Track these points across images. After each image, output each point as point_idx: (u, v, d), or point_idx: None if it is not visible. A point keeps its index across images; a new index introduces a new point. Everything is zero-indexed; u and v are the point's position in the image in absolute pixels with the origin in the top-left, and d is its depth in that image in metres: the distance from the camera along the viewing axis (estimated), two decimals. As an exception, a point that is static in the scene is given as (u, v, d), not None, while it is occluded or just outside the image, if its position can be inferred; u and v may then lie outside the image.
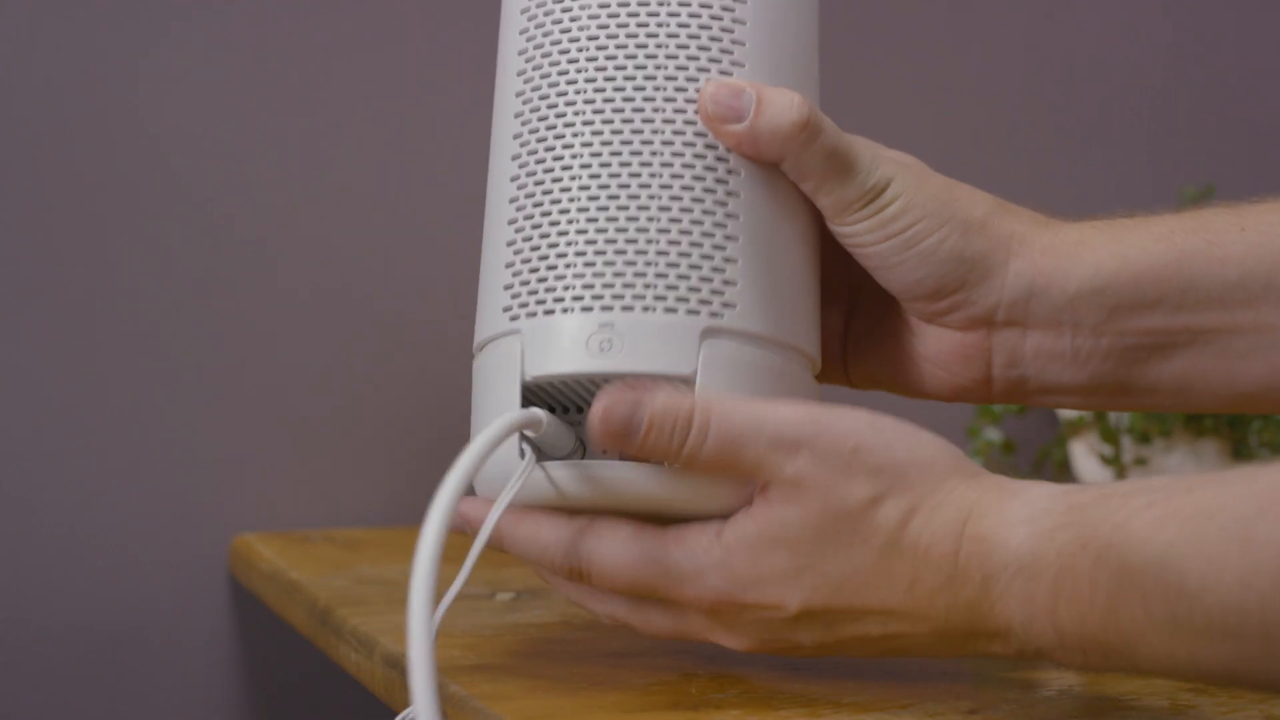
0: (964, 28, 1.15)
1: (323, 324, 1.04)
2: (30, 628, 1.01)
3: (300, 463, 1.04)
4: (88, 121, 1.00)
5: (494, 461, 0.69)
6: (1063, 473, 1.09)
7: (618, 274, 0.69)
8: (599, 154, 0.70)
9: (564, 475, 0.69)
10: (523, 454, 0.69)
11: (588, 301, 0.69)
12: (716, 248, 0.70)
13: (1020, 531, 0.62)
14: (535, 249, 0.70)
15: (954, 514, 0.65)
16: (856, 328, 0.79)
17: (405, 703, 0.75)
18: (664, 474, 0.68)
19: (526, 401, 0.69)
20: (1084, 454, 1.06)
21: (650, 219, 0.70)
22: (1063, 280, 0.74)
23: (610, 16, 0.71)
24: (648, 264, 0.69)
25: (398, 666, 0.76)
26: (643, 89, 0.71)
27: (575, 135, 0.71)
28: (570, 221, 0.70)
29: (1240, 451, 0.99)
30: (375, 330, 1.05)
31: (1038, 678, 0.74)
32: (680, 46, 0.71)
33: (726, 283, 0.70)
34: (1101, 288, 0.73)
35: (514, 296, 0.70)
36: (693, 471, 0.67)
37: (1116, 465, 1.02)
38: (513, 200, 0.71)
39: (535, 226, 0.70)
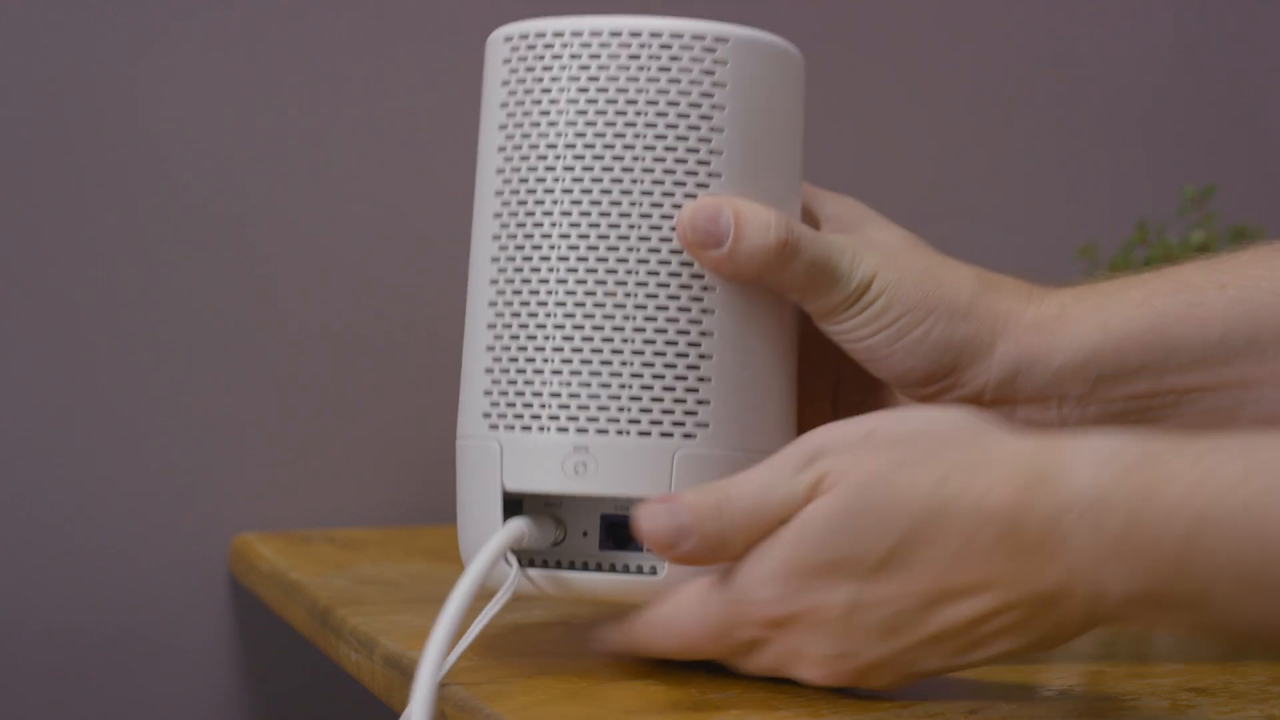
0: (963, 27, 1.15)
1: (323, 324, 1.04)
2: (30, 627, 1.01)
3: (300, 463, 1.04)
4: (87, 122, 1.00)
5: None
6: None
7: (593, 396, 0.71)
8: (575, 270, 0.71)
9: (546, 582, 0.72)
10: (508, 561, 0.71)
11: (563, 422, 0.71)
12: (690, 368, 0.71)
13: (1088, 471, 0.60)
14: (513, 361, 0.72)
15: (1005, 463, 0.62)
16: (848, 397, 0.79)
17: (405, 703, 0.75)
18: (644, 583, 0.71)
19: (507, 500, 0.72)
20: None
21: (625, 340, 0.71)
22: (1047, 356, 0.74)
23: (588, 125, 0.71)
24: (622, 387, 0.71)
25: (398, 666, 0.76)
26: (619, 204, 0.71)
27: (552, 248, 0.72)
28: (547, 338, 0.71)
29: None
30: (376, 330, 1.05)
31: (1038, 678, 0.74)
32: (657, 160, 0.71)
33: (700, 403, 0.71)
34: (1085, 360, 0.74)
35: (493, 405, 0.72)
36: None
37: (1116, 465, 1.02)
38: (492, 304, 0.73)
39: (514, 338, 0.72)
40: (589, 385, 0.71)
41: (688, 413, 0.71)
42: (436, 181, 1.04)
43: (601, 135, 0.71)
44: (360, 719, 1.02)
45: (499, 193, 0.73)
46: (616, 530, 0.74)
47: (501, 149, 0.73)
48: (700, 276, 0.71)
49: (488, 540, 0.71)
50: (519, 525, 0.71)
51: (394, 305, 1.05)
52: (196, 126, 1.02)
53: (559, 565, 0.74)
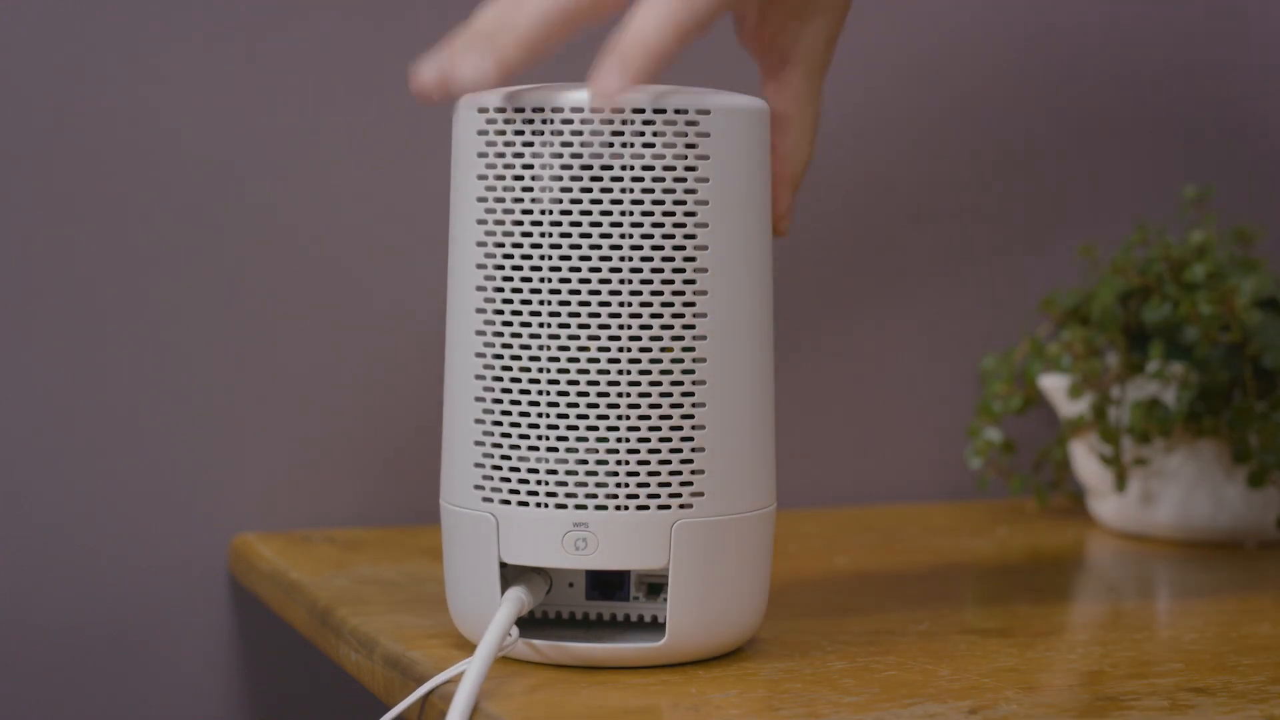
0: (962, 27, 1.15)
1: (323, 323, 1.04)
2: (29, 627, 1.01)
3: (300, 463, 1.04)
4: (87, 122, 1.00)
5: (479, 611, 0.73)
6: (1063, 472, 1.09)
7: (590, 472, 0.71)
8: (566, 347, 0.71)
9: (549, 649, 0.73)
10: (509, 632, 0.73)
11: (561, 499, 0.72)
12: (685, 440, 0.72)
13: None
14: (506, 436, 0.72)
15: None
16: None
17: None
18: (645, 650, 0.72)
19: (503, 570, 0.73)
20: (1084, 454, 1.06)
21: (620, 415, 0.71)
22: None
23: (573, 202, 0.71)
24: (619, 462, 0.71)
25: (398, 666, 0.76)
26: (608, 281, 0.71)
27: (543, 325, 0.72)
28: (541, 415, 0.72)
29: (1240, 452, 0.99)
30: (376, 330, 1.04)
31: (1038, 677, 0.74)
32: (645, 236, 0.71)
33: (695, 473, 0.72)
34: None
35: (485, 478, 0.73)
36: None
37: (1117, 465, 1.02)
38: (479, 377, 0.73)
39: (505, 412, 0.72)
40: (586, 462, 0.72)
41: (684, 484, 0.72)
42: (439, 183, 1.04)
43: (588, 212, 0.71)
44: (360, 719, 1.02)
45: (481, 265, 0.73)
46: (603, 581, 0.75)
47: (482, 222, 0.73)
48: (692, 349, 0.71)
49: (490, 613, 0.72)
50: (518, 596, 0.72)
51: (396, 306, 1.05)
52: (197, 127, 1.02)
53: (547, 618, 0.75)
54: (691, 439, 0.72)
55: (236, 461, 1.03)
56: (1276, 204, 1.20)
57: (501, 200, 0.72)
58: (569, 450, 0.71)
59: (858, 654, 0.76)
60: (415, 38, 1.05)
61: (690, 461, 0.72)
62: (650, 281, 0.71)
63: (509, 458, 0.72)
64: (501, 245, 0.72)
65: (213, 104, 1.02)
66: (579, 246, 0.71)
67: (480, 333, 0.73)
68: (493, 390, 0.73)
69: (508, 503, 0.72)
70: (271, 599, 0.94)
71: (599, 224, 0.71)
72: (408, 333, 1.04)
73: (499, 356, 0.72)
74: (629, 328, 0.71)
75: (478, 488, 0.73)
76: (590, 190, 0.71)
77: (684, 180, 0.71)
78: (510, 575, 0.73)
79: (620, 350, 0.71)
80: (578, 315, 0.71)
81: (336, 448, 1.04)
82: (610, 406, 0.71)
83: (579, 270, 0.71)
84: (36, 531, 1.00)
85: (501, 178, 0.72)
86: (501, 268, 0.72)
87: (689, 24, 0.70)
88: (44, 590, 1.01)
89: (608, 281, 0.71)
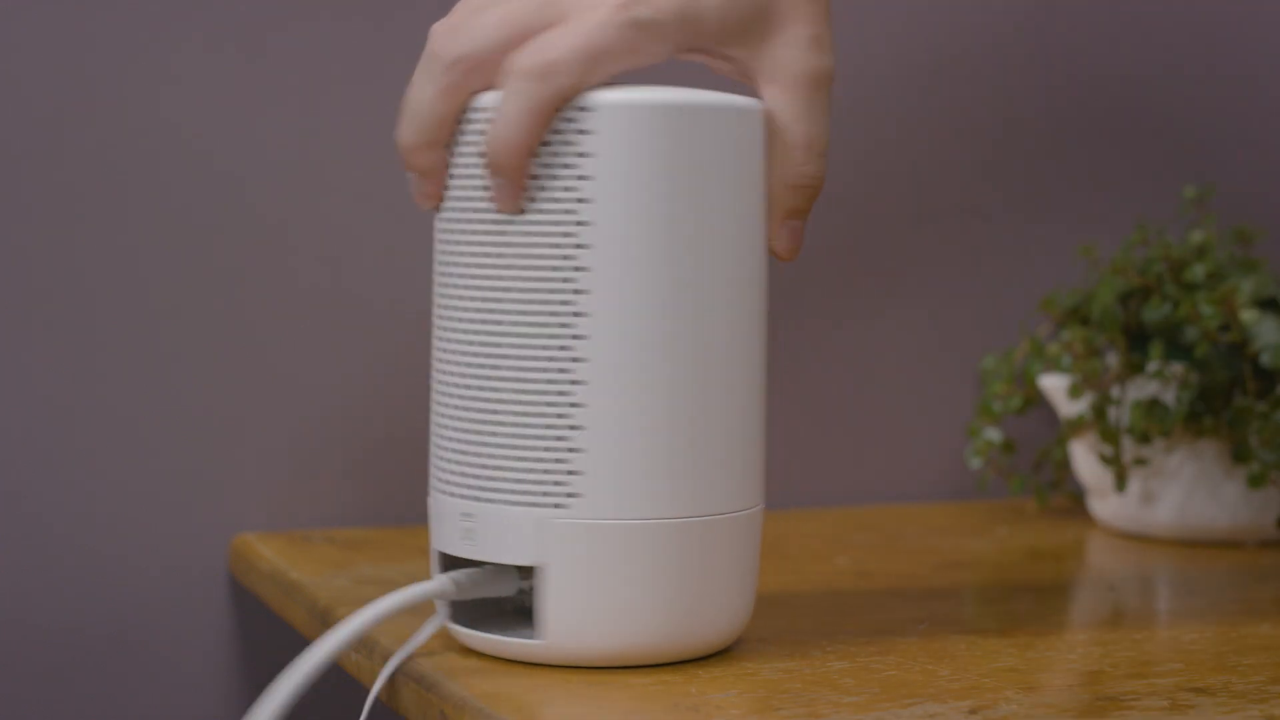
0: (962, 26, 1.15)
1: (323, 323, 1.04)
2: (29, 627, 1.01)
3: (300, 463, 1.04)
4: (87, 123, 1.00)
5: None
6: (1063, 472, 1.09)
7: (478, 467, 0.74)
8: (462, 342, 0.74)
9: (459, 630, 0.76)
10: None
11: (453, 490, 0.75)
12: (559, 439, 0.72)
13: None
14: (435, 428, 0.76)
15: None
16: None
17: (405, 703, 0.75)
18: (524, 646, 0.73)
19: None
20: (1084, 454, 1.06)
21: (498, 412, 0.73)
22: None
23: (482, 201, 0.73)
24: (495, 458, 0.73)
25: (398, 666, 0.76)
26: (500, 279, 0.72)
27: (446, 320, 0.75)
28: (444, 409, 0.75)
29: (1240, 452, 0.99)
30: (376, 330, 1.05)
31: (1038, 677, 0.74)
32: (528, 235, 0.72)
33: (571, 473, 0.72)
34: None
35: (432, 468, 0.77)
36: None
37: (1116, 465, 1.02)
38: (434, 385, 0.77)
39: (434, 405, 0.76)
40: (475, 458, 0.74)
41: (557, 483, 0.72)
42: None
43: (488, 210, 0.73)
44: (360, 719, 1.02)
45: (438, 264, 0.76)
46: None
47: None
48: (569, 349, 0.72)
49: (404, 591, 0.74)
50: (443, 584, 0.74)
51: (396, 306, 1.05)
52: (196, 128, 1.02)
53: (515, 608, 0.77)
54: (566, 439, 0.72)
55: (236, 461, 1.03)
56: (1276, 204, 1.20)
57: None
58: (461, 444, 0.74)
59: (858, 654, 0.76)
60: (415, 38, 1.05)
61: (564, 461, 0.72)
62: (532, 279, 0.72)
63: (435, 452, 0.76)
64: (441, 242, 0.75)
65: (212, 106, 1.02)
66: (482, 244, 0.73)
67: (433, 350, 0.77)
68: (435, 385, 0.76)
69: (433, 492, 0.76)
70: (271, 599, 0.94)
71: (497, 221, 0.73)
72: (408, 333, 1.04)
73: (437, 353, 0.76)
74: (514, 324, 0.72)
75: (431, 475, 0.77)
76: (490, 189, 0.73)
77: (565, 179, 0.72)
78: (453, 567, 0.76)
79: (504, 346, 0.72)
80: (472, 311, 0.73)
81: (337, 448, 1.04)
82: (491, 401, 0.73)
83: (479, 268, 0.73)
84: (36, 531, 1.00)
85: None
86: (442, 270, 0.76)
87: (547, 106, 0.71)
88: (44, 590, 1.01)
89: (500, 279, 0.72)
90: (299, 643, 0.97)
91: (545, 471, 0.72)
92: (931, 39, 1.15)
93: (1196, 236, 1.06)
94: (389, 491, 1.05)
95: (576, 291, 0.71)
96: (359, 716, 0.97)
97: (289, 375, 1.03)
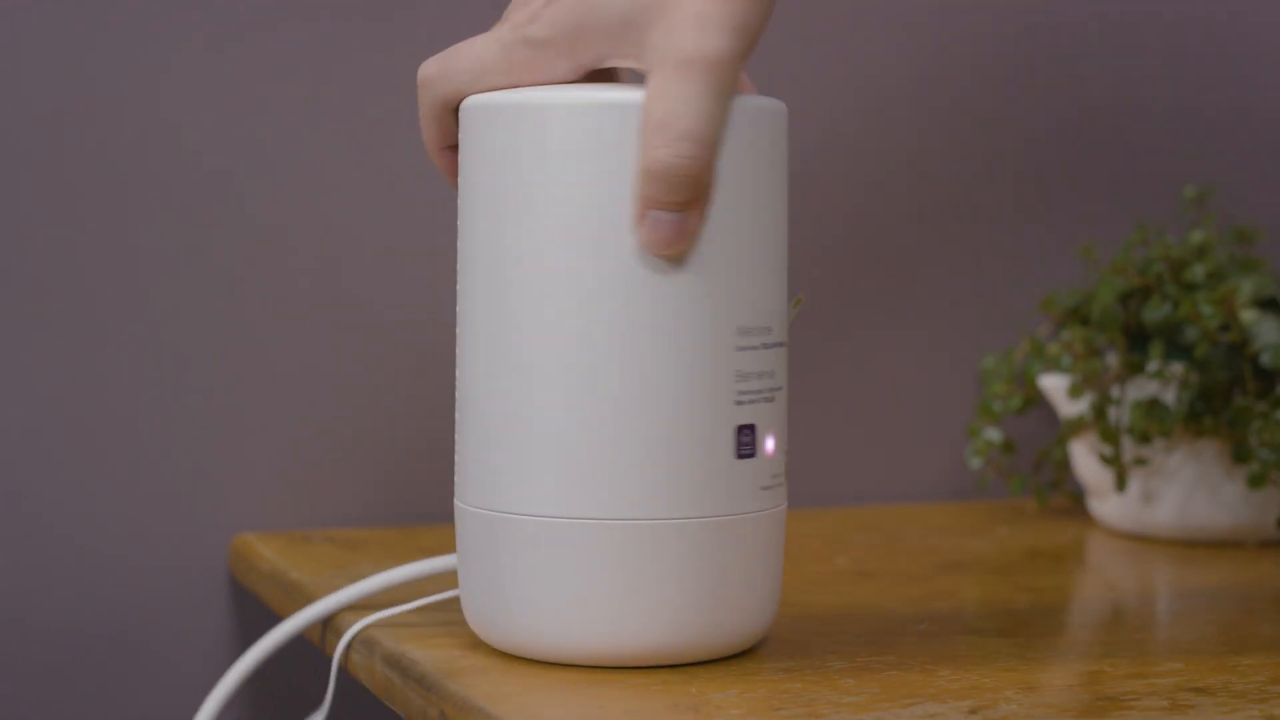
0: (963, 26, 1.15)
1: (323, 323, 1.04)
2: (29, 628, 1.01)
3: (300, 463, 1.04)
4: (87, 124, 1.00)
5: None
6: (1063, 472, 1.09)
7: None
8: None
9: None
10: None
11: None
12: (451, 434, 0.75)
13: None
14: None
15: None
16: None
17: (405, 703, 0.75)
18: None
19: None
20: (1084, 454, 1.06)
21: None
22: None
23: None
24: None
25: (398, 666, 0.76)
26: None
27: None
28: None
29: (1240, 452, 0.99)
30: (376, 330, 1.05)
31: (1038, 677, 0.74)
32: (456, 235, 0.78)
33: (464, 465, 0.75)
34: None
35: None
36: None
37: (1117, 465, 1.02)
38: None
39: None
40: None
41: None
42: (440, 183, 1.04)
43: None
44: (360, 719, 1.02)
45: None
46: None
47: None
48: (448, 345, 0.74)
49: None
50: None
51: (396, 306, 1.05)
52: (196, 130, 1.02)
53: None
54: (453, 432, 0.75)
55: (236, 461, 1.03)
56: (1276, 204, 1.20)
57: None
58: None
59: (858, 654, 0.76)
60: (414, 40, 1.05)
61: (460, 454, 0.75)
62: (455, 276, 0.76)
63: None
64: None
65: (213, 106, 1.02)
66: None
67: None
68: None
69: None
70: (271, 599, 0.94)
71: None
72: (408, 333, 1.04)
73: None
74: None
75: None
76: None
77: (461, 178, 0.75)
78: None
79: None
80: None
81: (336, 448, 1.04)
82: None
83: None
84: (36, 531, 1.00)
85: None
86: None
87: (431, 111, 0.76)
88: (44, 590, 1.01)
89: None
90: (299, 642, 0.97)
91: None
92: (932, 39, 1.15)
93: (1196, 236, 1.06)
94: (389, 491, 1.05)
95: (455, 290, 0.76)
96: (359, 716, 0.97)
97: (289, 375, 1.03)
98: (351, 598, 0.83)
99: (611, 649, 0.73)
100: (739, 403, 0.73)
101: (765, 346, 0.74)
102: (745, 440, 0.73)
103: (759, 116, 0.74)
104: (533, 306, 0.72)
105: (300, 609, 0.87)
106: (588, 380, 0.71)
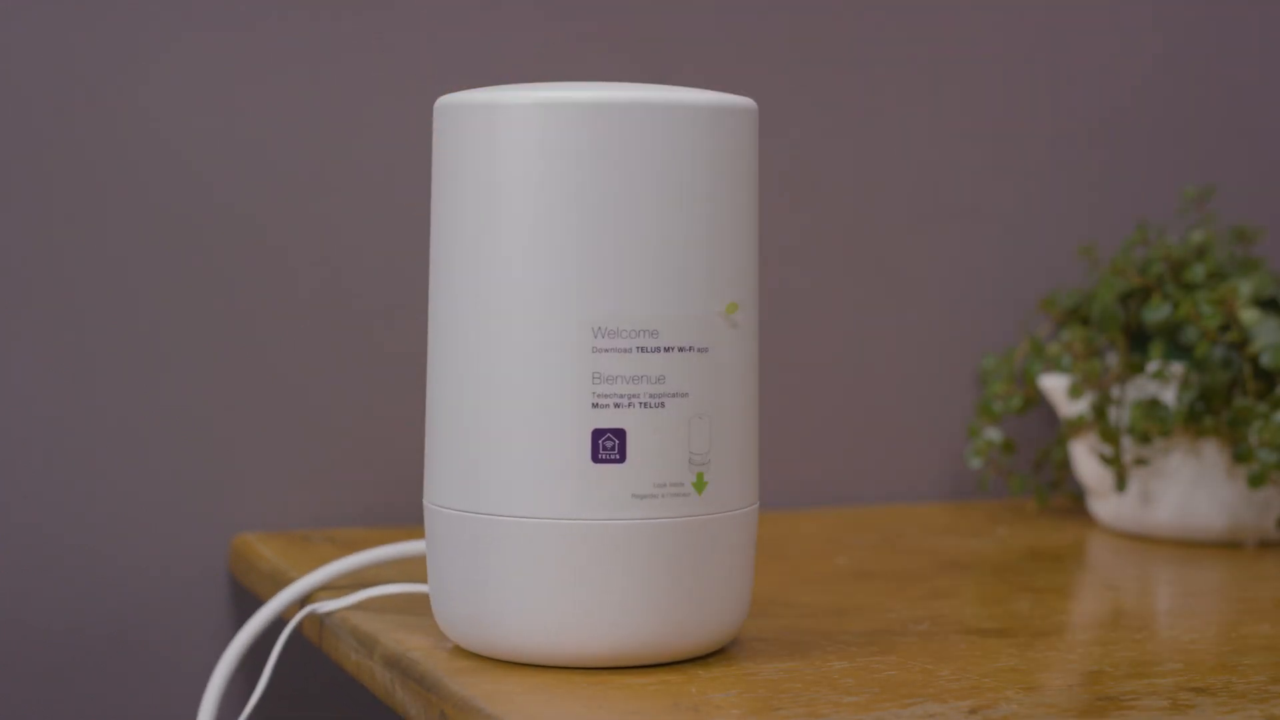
0: (962, 28, 1.15)
1: (323, 324, 1.04)
2: (29, 627, 1.01)
3: (300, 463, 1.04)
4: (88, 125, 1.00)
5: None
6: (1063, 472, 1.09)
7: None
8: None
9: None
10: None
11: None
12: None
13: None
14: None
15: None
16: None
17: (405, 703, 0.75)
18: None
19: None
20: (1084, 454, 1.06)
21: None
22: None
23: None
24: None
25: (398, 666, 0.76)
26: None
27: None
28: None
29: (1240, 452, 0.99)
30: (376, 330, 1.05)
31: (1038, 677, 0.74)
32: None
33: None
34: None
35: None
36: None
37: (1117, 465, 1.02)
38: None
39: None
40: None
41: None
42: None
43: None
44: (360, 719, 1.03)
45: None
46: None
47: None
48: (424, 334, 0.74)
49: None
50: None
51: (396, 306, 1.05)
52: (196, 131, 1.02)
53: None
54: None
55: (236, 461, 1.03)
56: (1276, 204, 1.20)
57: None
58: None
59: (858, 654, 0.76)
60: (408, 41, 1.05)
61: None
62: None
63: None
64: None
65: (211, 107, 1.02)
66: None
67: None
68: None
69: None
70: (271, 599, 0.94)
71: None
72: (409, 333, 1.04)
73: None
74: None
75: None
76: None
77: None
78: None
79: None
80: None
81: (336, 448, 1.04)
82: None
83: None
84: (36, 532, 1.00)
85: None
86: None
87: None
88: (44, 590, 1.01)
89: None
90: (299, 643, 0.97)
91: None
92: (932, 38, 1.15)
93: (1196, 236, 1.06)
94: (389, 491, 1.05)
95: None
96: (360, 716, 0.97)
97: (289, 375, 1.03)
98: (328, 576, 0.86)
99: (594, 648, 0.73)
100: (596, 405, 0.72)
101: (642, 351, 0.72)
102: (607, 445, 0.72)
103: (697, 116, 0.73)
104: (469, 308, 0.74)
105: (299, 609, 0.87)
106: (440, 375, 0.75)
